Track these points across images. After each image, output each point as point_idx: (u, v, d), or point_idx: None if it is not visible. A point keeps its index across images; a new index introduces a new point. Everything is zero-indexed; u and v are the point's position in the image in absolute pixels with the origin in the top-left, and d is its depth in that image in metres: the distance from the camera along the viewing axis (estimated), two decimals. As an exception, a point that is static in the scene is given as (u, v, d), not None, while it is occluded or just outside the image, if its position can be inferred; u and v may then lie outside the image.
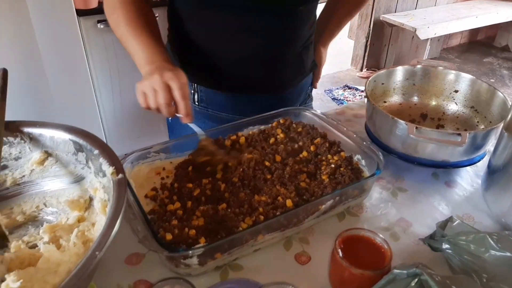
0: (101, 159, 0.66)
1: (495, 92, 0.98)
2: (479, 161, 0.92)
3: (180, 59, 1.04)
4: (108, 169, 0.63)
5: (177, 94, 0.78)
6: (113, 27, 0.93)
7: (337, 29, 1.20)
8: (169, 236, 0.66)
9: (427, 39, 3.65)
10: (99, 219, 0.67)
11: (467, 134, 0.81)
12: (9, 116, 0.70)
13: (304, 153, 0.89)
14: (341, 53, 4.06)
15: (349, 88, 3.74)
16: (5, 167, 0.73)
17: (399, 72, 1.11)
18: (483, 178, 0.87)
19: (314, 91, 1.26)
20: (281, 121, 0.99)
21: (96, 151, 0.67)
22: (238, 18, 0.92)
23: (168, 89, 0.78)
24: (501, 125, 0.84)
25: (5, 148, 0.71)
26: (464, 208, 0.86)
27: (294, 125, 0.97)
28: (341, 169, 0.83)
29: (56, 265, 0.57)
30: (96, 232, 0.65)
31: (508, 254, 0.63)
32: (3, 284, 0.52)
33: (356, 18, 3.87)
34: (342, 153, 0.88)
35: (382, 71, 1.08)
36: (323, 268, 0.70)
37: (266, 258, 0.73)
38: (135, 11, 0.90)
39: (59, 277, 0.56)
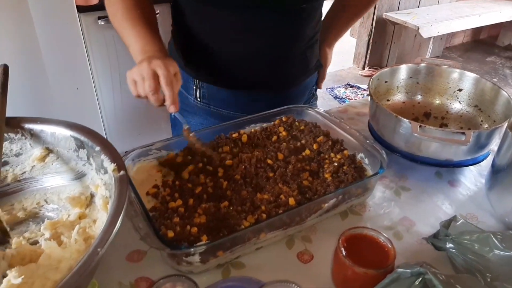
0: (103, 156, 0.65)
1: (499, 91, 0.97)
2: (482, 160, 0.92)
3: (183, 55, 1.03)
4: (110, 166, 0.63)
5: (162, 82, 0.78)
6: (111, 18, 0.94)
7: (344, 29, 1.19)
8: (171, 234, 0.65)
9: (430, 37, 3.64)
10: (101, 216, 0.67)
11: (471, 133, 0.80)
12: (9, 113, 0.70)
13: (307, 151, 0.88)
14: (343, 51, 4.05)
15: (351, 86, 3.73)
16: (6, 163, 0.72)
17: (403, 70, 1.10)
18: (486, 178, 0.86)
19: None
20: (284, 119, 0.98)
21: (97, 148, 0.67)
22: (241, 15, 0.92)
23: (155, 77, 0.78)
24: (505, 124, 0.84)
25: (6, 144, 0.71)
26: (468, 208, 0.85)
27: (296, 123, 0.97)
28: (344, 167, 0.83)
29: (58, 262, 0.57)
30: (97, 229, 0.65)
31: (513, 254, 0.63)
32: (5, 280, 0.52)
33: (358, 16, 3.85)
34: (345, 152, 0.87)
35: (385, 69, 1.07)
36: (326, 267, 0.70)
37: (268, 257, 0.72)
38: (133, 2, 0.91)
39: (60, 274, 0.55)
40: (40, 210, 0.74)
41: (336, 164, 0.84)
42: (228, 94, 1.04)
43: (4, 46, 1.70)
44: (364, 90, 3.64)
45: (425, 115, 1.09)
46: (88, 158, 0.70)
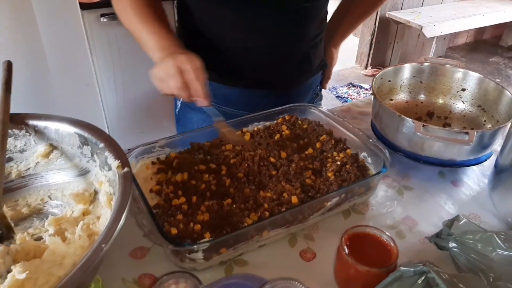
0: (107, 153, 0.65)
1: (503, 91, 0.97)
2: (485, 160, 0.92)
3: None
4: (114, 163, 0.63)
5: (190, 77, 0.78)
6: (120, 16, 0.93)
7: (350, 30, 1.19)
8: (174, 231, 0.66)
9: (433, 37, 3.63)
10: (104, 212, 0.67)
11: (475, 133, 0.80)
12: (11, 109, 0.70)
13: (310, 150, 0.88)
14: (345, 51, 4.01)
15: (354, 86, 3.73)
16: (10, 159, 0.73)
17: (406, 70, 1.10)
18: (489, 178, 0.86)
19: (320, 89, 1.25)
20: (287, 117, 0.98)
21: (101, 145, 0.67)
22: (243, 14, 0.92)
23: (182, 73, 0.78)
24: (509, 124, 0.84)
25: (10, 140, 0.71)
26: (471, 208, 0.85)
27: (299, 121, 0.97)
28: (347, 166, 0.83)
29: (62, 258, 0.57)
30: (101, 225, 0.65)
31: (516, 253, 0.63)
32: (10, 275, 0.52)
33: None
34: (348, 151, 0.88)
35: (389, 68, 1.07)
36: (328, 265, 0.70)
37: (271, 254, 0.72)
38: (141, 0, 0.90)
39: (64, 270, 0.55)
40: (44, 206, 0.74)
41: (339, 163, 0.84)
42: (230, 92, 1.04)
43: (7, 43, 1.70)
44: (367, 89, 3.64)
45: (428, 115, 1.09)
46: (92, 155, 0.71)
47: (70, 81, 1.93)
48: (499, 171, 0.82)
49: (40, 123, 0.71)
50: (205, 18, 0.95)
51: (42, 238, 0.66)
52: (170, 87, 0.79)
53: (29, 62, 1.79)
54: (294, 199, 0.74)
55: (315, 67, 1.10)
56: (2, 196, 0.65)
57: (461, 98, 1.08)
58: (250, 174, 0.81)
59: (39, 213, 0.74)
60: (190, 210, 0.71)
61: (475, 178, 0.94)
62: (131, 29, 0.90)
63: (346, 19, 1.17)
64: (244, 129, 0.94)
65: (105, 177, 0.68)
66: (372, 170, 0.85)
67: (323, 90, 1.23)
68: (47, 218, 0.69)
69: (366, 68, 4.04)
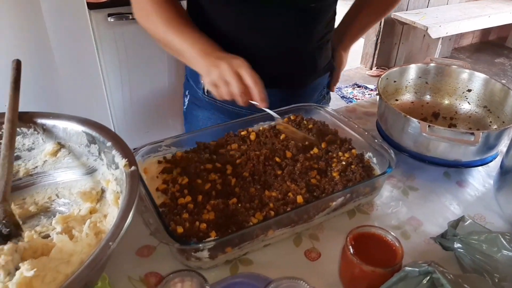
0: (114, 151, 0.66)
1: (508, 92, 0.97)
2: (491, 161, 0.91)
3: None
4: (121, 161, 0.63)
5: (250, 82, 0.79)
6: (151, 32, 0.92)
7: (360, 33, 1.19)
8: (180, 229, 0.66)
9: (439, 38, 3.62)
10: (111, 210, 0.67)
11: (480, 133, 0.80)
12: (20, 108, 0.71)
13: (315, 150, 0.88)
14: (350, 51, 4.02)
15: (359, 86, 3.73)
16: (18, 157, 0.74)
17: (412, 70, 1.10)
18: (495, 179, 0.86)
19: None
20: (292, 117, 0.99)
21: (108, 143, 0.68)
22: (251, 13, 0.92)
23: (240, 78, 0.79)
24: (515, 125, 0.84)
25: (18, 138, 0.72)
26: (476, 208, 0.85)
27: (305, 121, 0.97)
28: (352, 166, 0.83)
29: (69, 255, 0.57)
30: (108, 223, 0.66)
31: (521, 255, 0.63)
32: (18, 272, 0.53)
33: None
34: (353, 151, 0.88)
35: (394, 69, 1.07)
36: (333, 265, 0.70)
37: (276, 254, 0.73)
38: (169, 10, 0.90)
39: (71, 267, 0.56)
40: (51, 205, 0.75)
41: (344, 163, 0.84)
42: None
43: (16, 43, 1.72)
44: (372, 90, 3.63)
45: (434, 115, 1.09)
46: (99, 154, 0.71)
47: (77, 80, 1.94)
48: (504, 172, 0.82)
49: (49, 122, 0.72)
50: (213, 16, 0.96)
51: (50, 236, 0.66)
52: (230, 92, 0.80)
53: (37, 61, 1.80)
54: (299, 198, 0.74)
55: (321, 68, 1.10)
56: (10, 194, 0.65)
57: (467, 99, 1.08)
58: (255, 173, 0.81)
59: (46, 211, 0.74)
60: (196, 209, 0.72)
61: (481, 179, 0.94)
62: (166, 43, 0.90)
63: (356, 23, 1.16)
64: (250, 129, 0.94)
65: (112, 176, 0.69)
66: (377, 170, 0.85)
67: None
68: (54, 216, 0.69)
69: (371, 68, 4.04)
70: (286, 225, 0.72)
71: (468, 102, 1.08)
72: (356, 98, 3.51)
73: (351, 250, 0.62)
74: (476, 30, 4.27)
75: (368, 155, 0.88)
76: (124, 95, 2.17)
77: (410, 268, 0.57)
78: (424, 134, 0.82)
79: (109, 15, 1.89)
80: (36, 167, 0.75)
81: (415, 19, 3.53)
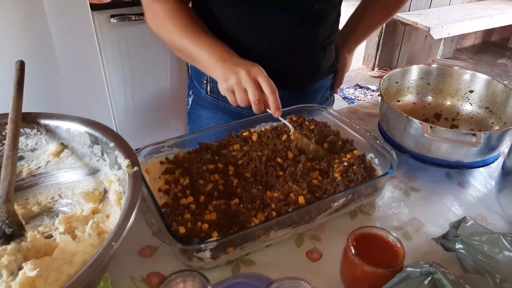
0: (117, 152, 0.66)
1: (510, 93, 0.97)
2: (493, 162, 0.91)
3: None
4: (124, 162, 0.64)
5: (267, 90, 0.79)
6: (165, 39, 0.93)
7: (364, 36, 1.19)
8: (182, 230, 0.66)
9: (441, 39, 3.62)
10: (114, 211, 0.68)
11: (482, 134, 0.80)
12: (23, 109, 0.71)
13: (317, 151, 0.89)
14: (352, 52, 4.04)
15: (360, 87, 3.72)
16: (21, 158, 0.74)
17: (414, 71, 1.10)
18: (497, 180, 0.86)
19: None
20: (294, 118, 0.99)
21: (111, 144, 0.68)
22: (256, 14, 0.92)
23: (258, 85, 0.79)
24: (517, 126, 0.84)
25: (21, 139, 0.72)
26: (477, 209, 0.85)
27: (307, 122, 0.97)
28: (354, 167, 0.83)
29: (72, 255, 0.58)
30: (110, 224, 0.66)
31: (523, 255, 0.63)
32: (21, 272, 0.53)
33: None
34: (355, 151, 0.88)
35: (396, 70, 1.07)
36: (335, 265, 0.70)
37: (278, 254, 0.73)
38: (184, 16, 0.90)
39: (74, 267, 0.56)
40: (54, 205, 0.75)
41: (346, 163, 0.84)
42: None
43: (19, 44, 1.73)
44: (374, 91, 3.63)
45: (436, 116, 1.09)
46: (102, 154, 0.72)
47: (80, 81, 1.95)
48: (506, 173, 0.82)
49: (52, 122, 0.72)
50: (217, 17, 0.96)
51: (53, 236, 0.67)
52: (246, 99, 0.81)
53: (40, 62, 1.81)
54: (301, 199, 0.75)
55: (324, 70, 1.10)
56: (14, 195, 0.66)
57: (468, 99, 1.08)
58: (257, 174, 0.81)
59: (49, 211, 0.75)
60: (198, 210, 0.72)
61: (482, 180, 0.94)
62: (182, 50, 0.90)
63: (361, 25, 1.16)
64: (252, 130, 0.95)
65: (115, 176, 0.69)
66: (379, 171, 0.85)
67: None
68: (57, 217, 0.70)
69: (373, 69, 4.04)
70: (287, 226, 0.72)
71: (470, 103, 1.08)
72: (358, 99, 3.51)
73: (353, 251, 0.62)
74: (478, 31, 4.26)
75: (370, 156, 0.88)
76: (126, 95, 2.18)
77: (411, 269, 0.58)
78: (426, 135, 0.82)
79: (112, 16, 1.90)
80: (39, 167, 0.75)
81: (417, 20, 3.53)
